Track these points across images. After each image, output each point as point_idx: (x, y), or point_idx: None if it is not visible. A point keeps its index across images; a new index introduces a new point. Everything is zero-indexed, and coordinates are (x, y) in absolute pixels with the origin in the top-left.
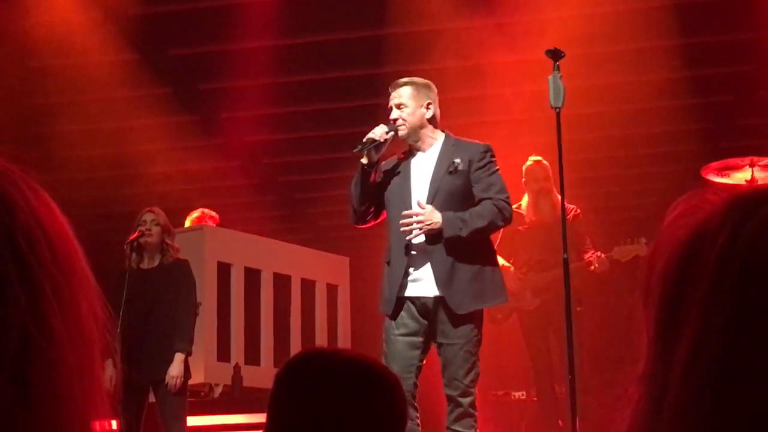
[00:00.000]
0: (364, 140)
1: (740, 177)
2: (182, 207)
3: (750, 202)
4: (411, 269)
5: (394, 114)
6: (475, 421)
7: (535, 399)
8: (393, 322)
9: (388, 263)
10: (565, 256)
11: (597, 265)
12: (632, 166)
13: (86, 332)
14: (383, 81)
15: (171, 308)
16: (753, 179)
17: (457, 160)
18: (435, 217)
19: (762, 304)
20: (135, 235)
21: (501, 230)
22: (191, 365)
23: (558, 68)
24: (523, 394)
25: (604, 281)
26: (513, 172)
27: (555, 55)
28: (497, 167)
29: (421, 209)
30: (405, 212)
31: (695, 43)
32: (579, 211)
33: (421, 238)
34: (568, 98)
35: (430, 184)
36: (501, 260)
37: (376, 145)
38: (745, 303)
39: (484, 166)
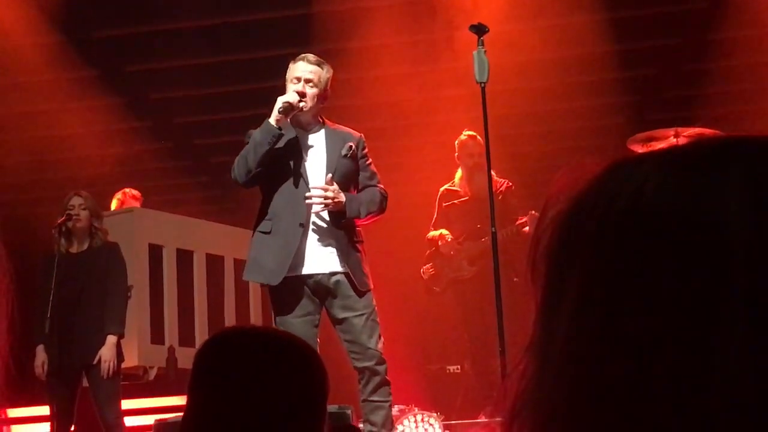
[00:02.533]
0: (282, 105)
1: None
2: (113, 190)
3: (625, 168)
4: (309, 245)
5: (301, 86)
6: (391, 390)
7: (471, 372)
8: (287, 305)
9: (268, 233)
10: (493, 229)
11: (531, 226)
12: (559, 140)
13: None
14: None
15: (101, 292)
16: None
17: (352, 144)
18: (341, 197)
19: (638, 272)
20: (63, 219)
21: (436, 208)
22: (124, 348)
23: (482, 43)
24: (458, 368)
25: None
26: (441, 149)
27: (479, 30)
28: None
29: (330, 186)
30: (316, 186)
31: (620, 17)
32: (511, 184)
33: (324, 215)
34: (493, 73)
35: (327, 165)
36: (438, 231)
37: (289, 111)
38: (622, 270)
39: (366, 155)
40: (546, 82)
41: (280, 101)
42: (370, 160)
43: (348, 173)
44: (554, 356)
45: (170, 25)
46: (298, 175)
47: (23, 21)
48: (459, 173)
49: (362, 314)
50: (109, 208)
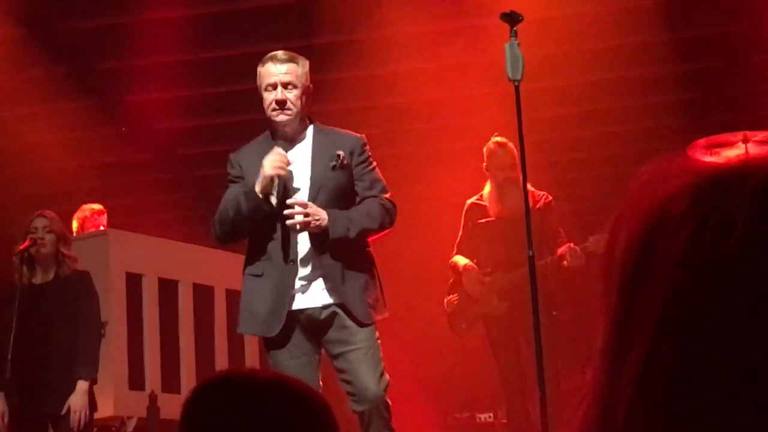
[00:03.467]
0: (273, 187)
1: (732, 155)
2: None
3: (716, 190)
4: (297, 278)
5: (280, 94)
6: None
7: (505, 421)
8: (278, 347)
9: (260, 276)
10: (530, 252)
11: (569, 259)
12: (606, 147)
13: None
14: (315, 54)
15: (70, 329)
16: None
17: (341, 153)
18: (321, 214)
19: (723, 320)
20: (25, 245)
21: (461, 227)
22: (97, 395)
23: (515, 34)
24: (490, 416)
25: (583, 280)
26: (466, 156)
27: (512, 18)
28: (374, 162)
29: (304, 207)
30: (290, 201)
31: (677, 0)
32: (551, 198)
33: (306, 242)
34: (528, 69)
35: (312, 181)
36: (463, 259)
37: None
38: (708, 315)
39: (366, 160)
40: (589, 78)
41: (265, 176)
42: (372, 165)
43: (339, 188)
44: (623, 400)
45: (148, 15)
46: (284, 203)
47: None
48: (488, 187)
49: (359, 348)
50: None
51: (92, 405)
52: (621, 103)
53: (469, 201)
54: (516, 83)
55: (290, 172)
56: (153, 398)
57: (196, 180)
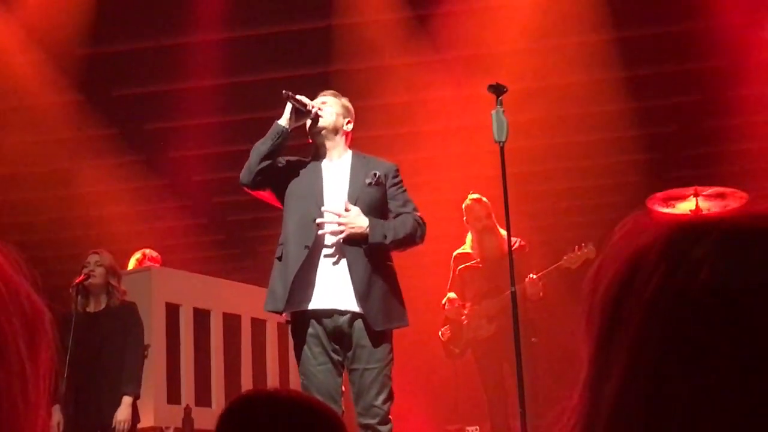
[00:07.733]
0: (292, 97)
1: (685, 207)
2: (130, 249)
3: (685, 240)
4: (321, 276)
5: (318, 103)
6: None
7: None
8: (304, 350)
9: (279, 259)
10: (513, 289)
11: (528, 289)
12: (577, 198)
13: (30, 391)
14: None
15: (119, 351)
16: (698, 209)
17: (377, 172)
18: (360, 221)
19: (691, 350)
20: (80, 278)
21: (451, 273)
22: (140, 408)
23: (501, 103)
24: (477, 429)
25: (562, 310)
26: (453, 207)
27: (497, 90)
28: (405, 188)
29: (345, 211)
30: (329, 210)
31: (639, 75)
32: (524, 243)
33: (339, 241)
34: (511, 130)
35: (349, 193)
36: (449, 295)
37: (298, 109)
38: (674, 348)
39: (399, 183)
40: (562, 140)
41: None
42: (404, 189)
43: (373, 203)
44: (600, 424)
45: (189, 83)
46: (312, 198)
47: (41, 80)
48: (469, 237)
49: (374, 368)
50: (126, 267)
51: (135, 417)
52: (590, 162)
53: (455, 252)
54: (501, 145)
55: (330, 175)
56: (188, 411)
57: (228, 224)
